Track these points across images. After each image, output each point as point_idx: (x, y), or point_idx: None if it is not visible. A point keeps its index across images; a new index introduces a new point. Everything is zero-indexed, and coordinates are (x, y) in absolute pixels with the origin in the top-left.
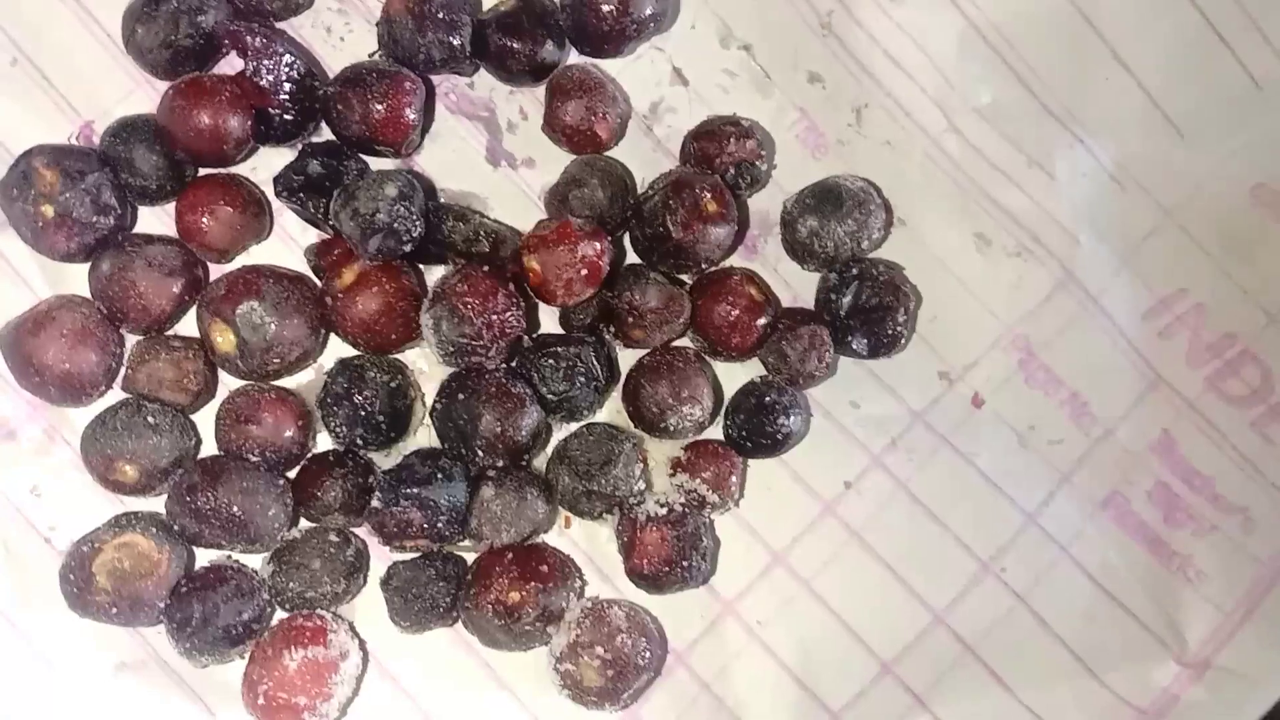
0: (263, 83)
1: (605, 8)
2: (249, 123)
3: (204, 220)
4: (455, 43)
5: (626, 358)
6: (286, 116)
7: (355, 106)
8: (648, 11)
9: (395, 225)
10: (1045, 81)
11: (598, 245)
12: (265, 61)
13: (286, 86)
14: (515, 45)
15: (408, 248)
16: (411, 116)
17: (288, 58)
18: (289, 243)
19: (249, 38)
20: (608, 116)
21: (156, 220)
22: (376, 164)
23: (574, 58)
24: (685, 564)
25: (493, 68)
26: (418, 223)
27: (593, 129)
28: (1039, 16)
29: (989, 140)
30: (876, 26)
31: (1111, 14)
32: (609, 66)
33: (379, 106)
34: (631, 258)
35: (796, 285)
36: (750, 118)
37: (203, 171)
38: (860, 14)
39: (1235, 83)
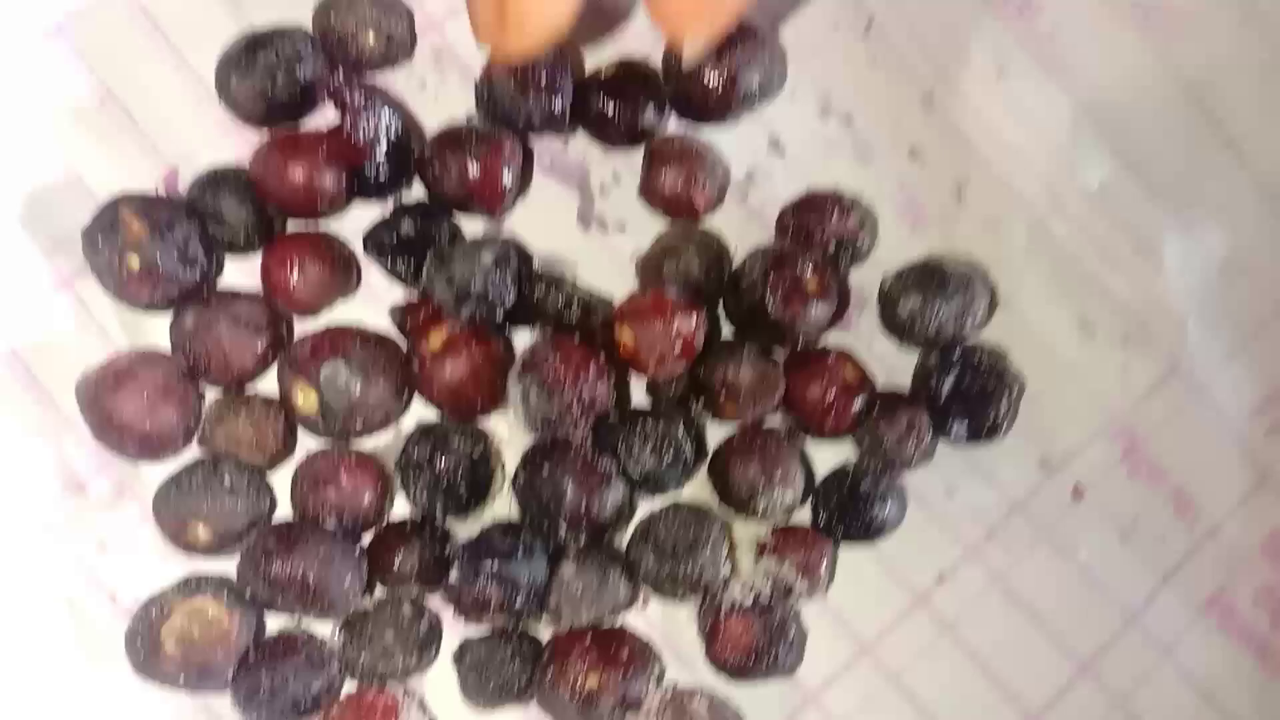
0: (359, 140)
1: (711, 80)
2: (343, 180)
3: (292, 277)
4: (557, 108)
5: (714, 430)
6: (381, 174)
7: (452, 168)
8: (755, 85)
9: (489, 295)
10: (1156, 166)
11: (693, 320)
12: (364, 120)
13: (383, 144)
14: (617, 111)
15: (499, 316)
16: (508, 181)
17: (386, 115)
18: (374, 298)
19: (349, 94)
20: (706, 186)
21: (238, 268)
22: (468, 222)
23: (673, 122)
24: (772, 654)
25: (591, 131)
26: (511, 292)
27: (691, 198)
28: (1151, 99)
29: (1096, 224)
30: (981, 101)
31: (1225, 99)
32: (706, 131)
33: (476, 169)
34: (724, 327)
35: (891, 363)
36: (852, 191)
37: (290, 224)
38: (965, 88)
39: None
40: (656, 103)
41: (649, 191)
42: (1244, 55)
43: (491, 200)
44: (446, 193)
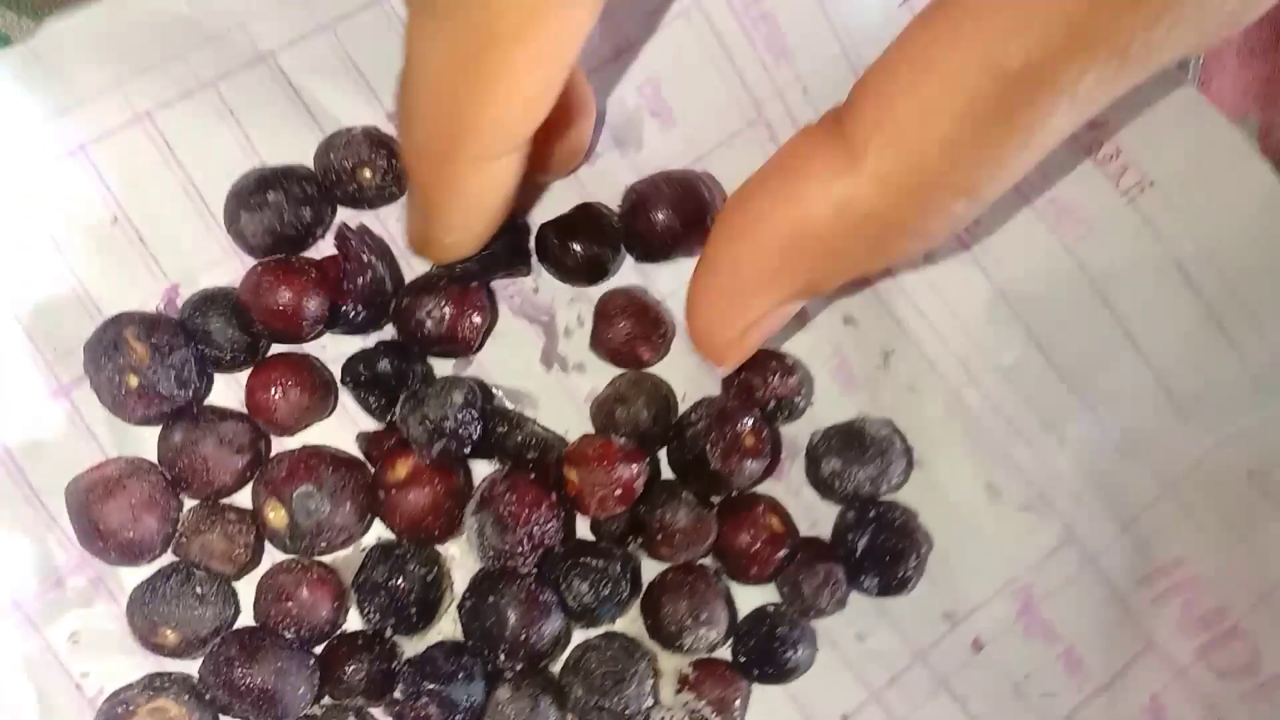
0: (349, 287)
1: (659, 216)
2: (326, 305)
3: (275, 399)
4: (519, 245)
5: (648, 566)
6: (358, 318)
7: (425, 315)
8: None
9: (460, 431)
10: (1062, 351)
11: (634, 468)
12: (358, 271)
13: (366, 295)
14: (572, 247)
15: (467, 451)
16: (476, 329)
17: (378, 268)
18: (346, 420)
19: (353, 244)
20: (651, 339)
21: (223, 385)
22: (437, 359)
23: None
24: None
25: (551, 267)
26: (478, 428)
27: (635, 351)
28: (1060, 292)
29: (1006, 399)
30: (908, 280)
31: (1125, 296)
32: (661, 275)
33: (447, 318)
34: (665, 468)
35: (816, 512)
36: (792, 353)
37: (275, 348)
38: (895, 265)
39: (1233, 371)
40: (610, 241)
41: (597, 344)
42: (1142, 258)
43: (461, 346)
44: (418, 335)
